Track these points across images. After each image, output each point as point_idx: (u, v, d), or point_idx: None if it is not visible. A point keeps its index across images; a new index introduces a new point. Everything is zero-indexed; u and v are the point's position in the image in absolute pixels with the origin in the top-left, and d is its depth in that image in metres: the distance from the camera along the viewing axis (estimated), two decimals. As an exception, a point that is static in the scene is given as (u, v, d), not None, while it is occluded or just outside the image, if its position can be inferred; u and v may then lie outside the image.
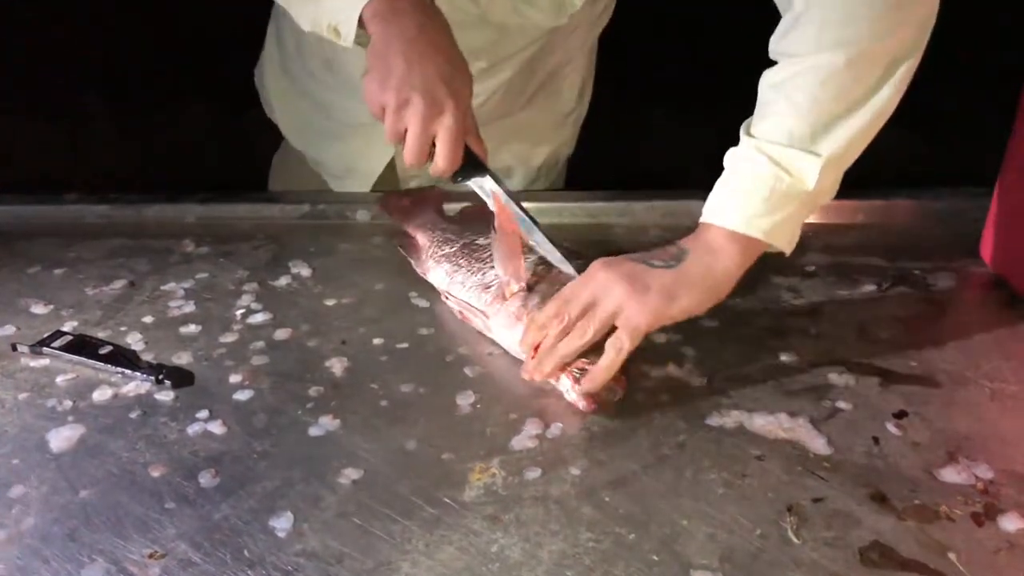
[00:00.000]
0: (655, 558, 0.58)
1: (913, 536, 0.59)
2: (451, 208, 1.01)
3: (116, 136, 1.98)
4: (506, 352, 0.81)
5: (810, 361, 0.79)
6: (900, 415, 0.72)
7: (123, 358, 0.79)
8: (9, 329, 0.86)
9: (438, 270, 0.89)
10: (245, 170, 1.38)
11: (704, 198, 0.77)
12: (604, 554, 0.58)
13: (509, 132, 1.12)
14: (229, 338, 0.84)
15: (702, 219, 0.77)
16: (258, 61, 1.22)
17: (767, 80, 0.76)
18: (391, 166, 1.13)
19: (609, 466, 0.67)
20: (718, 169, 0.77)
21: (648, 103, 1.86)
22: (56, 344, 0.81)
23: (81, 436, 0.71)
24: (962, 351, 0.81)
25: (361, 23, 0.77)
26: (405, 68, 0.75)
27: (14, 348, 0.82)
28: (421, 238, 0.95)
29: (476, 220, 0.94)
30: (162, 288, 0.93)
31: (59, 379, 0.78)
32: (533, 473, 0.66)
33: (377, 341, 0.83)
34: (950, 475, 0.65)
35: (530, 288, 0.81)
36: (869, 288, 0.92)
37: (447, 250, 0.90)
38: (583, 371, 0.72)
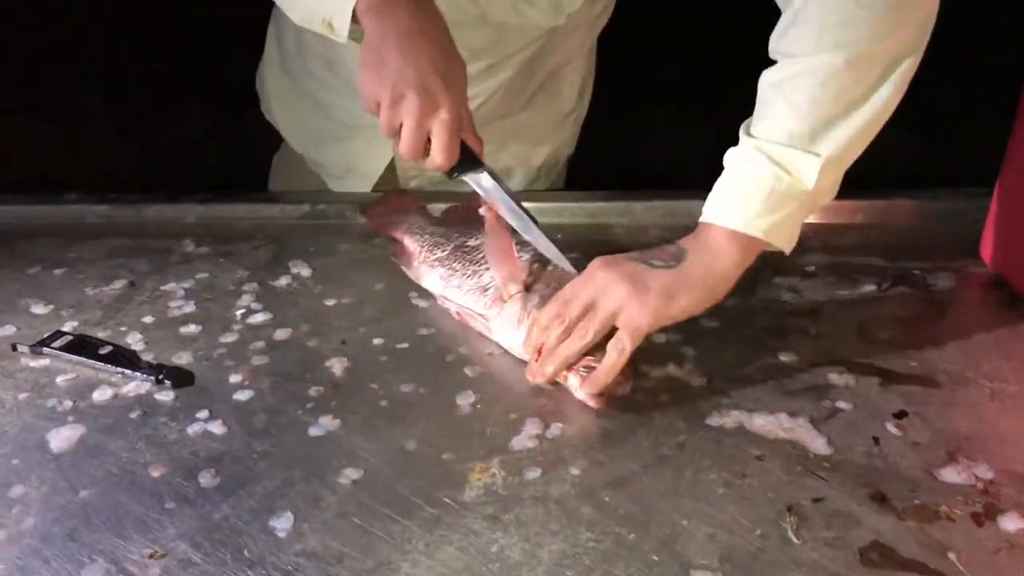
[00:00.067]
0: (655, 558, 0.58)
1: (913, 536, 0.60)
2: (432, 208, 1.01)
3: (116, 136, 1.98)
4: (506, 352, 0.81)
5: (810, 361, 0.79)
6: (900, 415, 0.72)
7: (123, 358, 0.79)
8: (9, 329, 0.86)
9: (432, 275, 0.89)
10: (245, 170, 1.38)
11: (704, 198, 0.77)
12: (604, 554, 0.58)
13: (509, 132, 1.12)
14: (229, 338, 0.84)
15: (702, 219, 0.77)
16: (259, 65, 1.22)
17: (766, 80, 0.76)
18: (391, 167, 1.13)
19: (609, 466, 0.67)
20: (718, 169, 0.77)
21: (648, 103, 1.86)
22: (56, 344, 0.81)
23: (81, 436, 0.71)
24: (962, 351, 0.81)
25: (355, 17, 0.76)
26: (400, 62, 0.74)
27: (14, 348, 0.82)
28: (410, 243, 0.94)
29: (463, 220, 0.93)
30: (162, 288, 0.93)
31: (59, 379, 0.78)
32: (533, 473, 0.66)
33: (377, 341, 0.83)
34: (950, 475, 0.65)
35: (528, 288, 0.81)
36: (869, 288, 0.92)
37: (439, 254, 0.90)
38: (590, 369, 0.72)
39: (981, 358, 0.80)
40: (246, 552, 0.59)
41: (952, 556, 0.58)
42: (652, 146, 1.87)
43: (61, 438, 0.70)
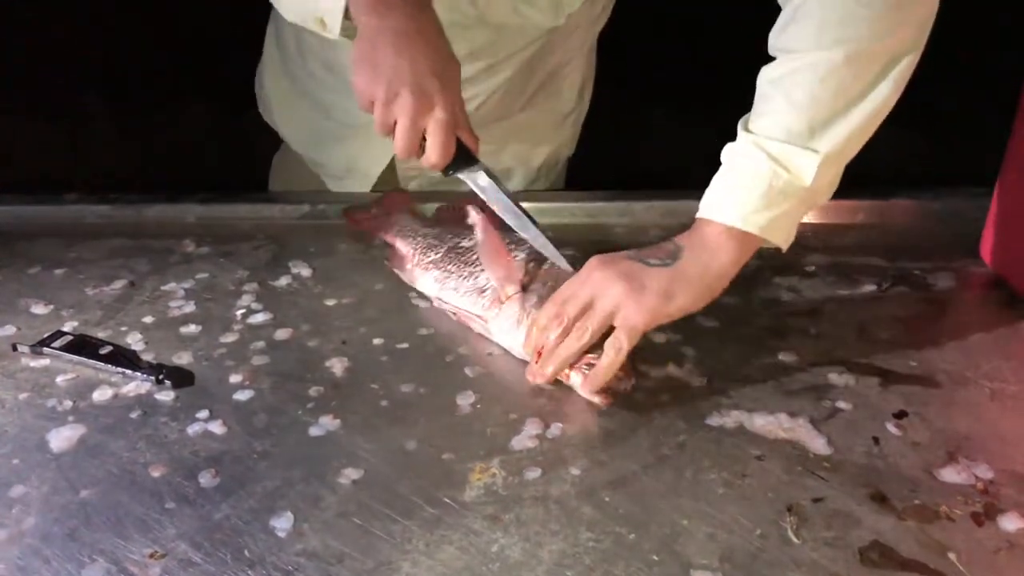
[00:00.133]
0: (655, 558, 0.58)
1: (913, 536, 0.60)
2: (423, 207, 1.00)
3: (116, 136, 1.98)
4: (506, 352, 0.81)
5: (810, 361, 0.79)
6: (900, 415, 0.72)
7: (123, 358, 0.79)
8: (9, 329, 0.86)
9: (426, 277, 0.89)
10: (245, 170, 1.38)
11: (704, 198, 0.77)
12: (604, 554, 0.58)
13: (509, 132, 1.12)
14: (229, 338, 0.84)
15: (698, 214, 0.76)
16: (258, 67, 1.21)
17: (765, 76, 0.75)
18: (391, 167, 1.13)
19: (609, 466, 0.67)
20: (718, 169, 0.77)
21: (648, 103, 1.85)
22: (56, 344, 0.81)
23: (81, 436, 0.71)
24: (962, 351, 0.81)
25: (347, 14, 0.76)
26: (395, 60, 0.74)
27: (14, 348, 0.82)
28: (402, 246, 0.94)
29: (454, 220, 0.93)
30: (162, 288, 0.93)
31: (59, 379, 0.78)
32: (533, 473, 0.66)
33: (377, 341, 0.83)
34: (950, 475, 0.65)
35: (525, 288, 0.81)
36: (869, 288, 0.92)
37: (433, 256, 0.89)
38: (592, 367, 0.73)
39: (981, 358, 0.80)
40: (246, 552, 0.59)
41: (952, 556, 0.58)
42: (652, 146, 1.87)
43: (61, 438, 0.70)
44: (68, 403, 0.74)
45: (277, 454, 0.68)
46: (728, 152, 0.76)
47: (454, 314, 0.85)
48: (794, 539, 0.59)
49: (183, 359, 0.81)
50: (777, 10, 0.76)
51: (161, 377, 0.76)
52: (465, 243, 0.89)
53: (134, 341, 0.83)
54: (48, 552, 0.59)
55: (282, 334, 0.85)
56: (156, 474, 0.66)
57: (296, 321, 0.87)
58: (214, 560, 0.58)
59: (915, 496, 0.63)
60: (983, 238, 0.97)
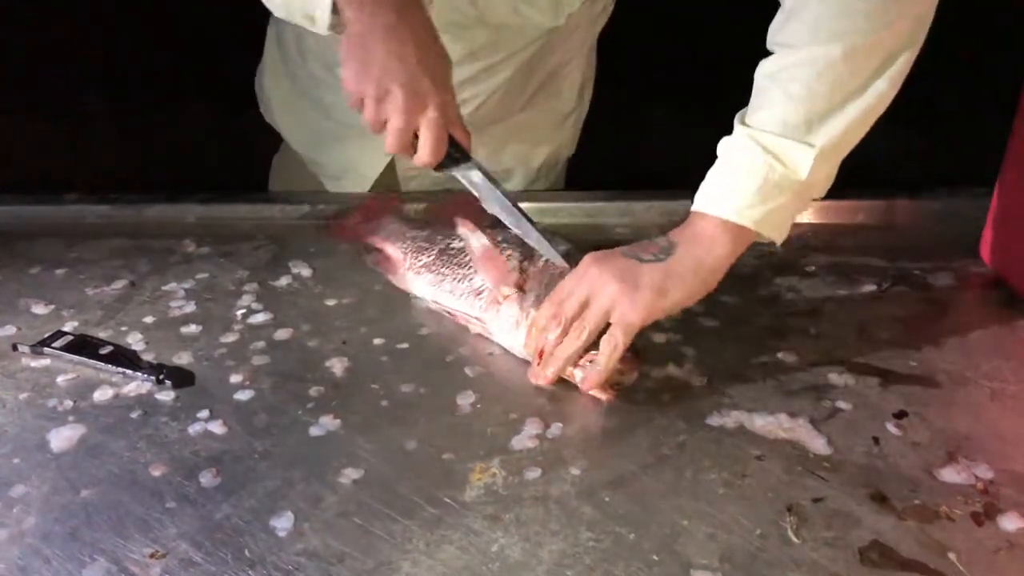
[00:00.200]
0: (655, 558, 0.58)
1: (913, 536, 0.60)
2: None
3: (116, 136, 1.98)
4: (506, 352, 0.81)
5: (810, 361, 0.79)
6: (900, 415, 0.72)
7: (124, 358, 0.79)
8: (10, 329, 0.86)
9: (419, 281, 0.88)
10: (245, 170, 1.38)
11: (704, 198, 0.77)
12: (604, 554, 0.58)
13: (509, 133, 1.12)
14: (230, 338, 0.84)
15: (693, 208, 0.76)
16: (258, 68, 1.21)
17: (763, 70, 0.75)
18: (391, 167, 1.13)
19: (609, 466, 0.67)
20: (716, 167, 0.77)
21: (648, 103, 1.86)
22: (57, 344, 0.81)
23: (82, 436, 0.71)
24: (962, 351, 0.81)
25: (335, 9, 0.75)
26: (385, 57, 0.73)
27: (15, 348, 0.82)
28: (392, 250, 0.93)
29: (444, 221, 0.92)
30: (163, 288, 0.93)
31: (60, 379, 0.78)
32: (533, 473, 0.66)
33: (377, 341, 0.83)
34: (950, 475, 0.65)
35: (522, 288, 0.81)
36: (869, 288, 0.92)
37: (424, 259, 0.89)
38: (594, 363, 0.73)
39: (981, 358, 0.80)
40: (247, 552, 0.59)
41: (952, 556, 0.58)
42: (652, 146, 1.87)
43: (62, 438, 0.70)
44: (69, 403, 0.75)
45: (277, 454, 0.68)
46: (724, 145, 0.76)
47: (449, 313, 0.85)
48: (794, 539, 0.59)
49: (183, 359, 0.81)
50: (776, 9, 0.76)
51: (161, 377, 0.76)
52: (456, 244, 0.88)
53: (134, 341, 0.83)
54: (49, 552, 0.59)
55: (282, 334, 0.85)
56: (157, 474, 0.66)
57: (296, 321, 0.87)
58: (215, 560, 0.58)
59: (915, 496, 0.63)
60: (983, 238, 0.97)
